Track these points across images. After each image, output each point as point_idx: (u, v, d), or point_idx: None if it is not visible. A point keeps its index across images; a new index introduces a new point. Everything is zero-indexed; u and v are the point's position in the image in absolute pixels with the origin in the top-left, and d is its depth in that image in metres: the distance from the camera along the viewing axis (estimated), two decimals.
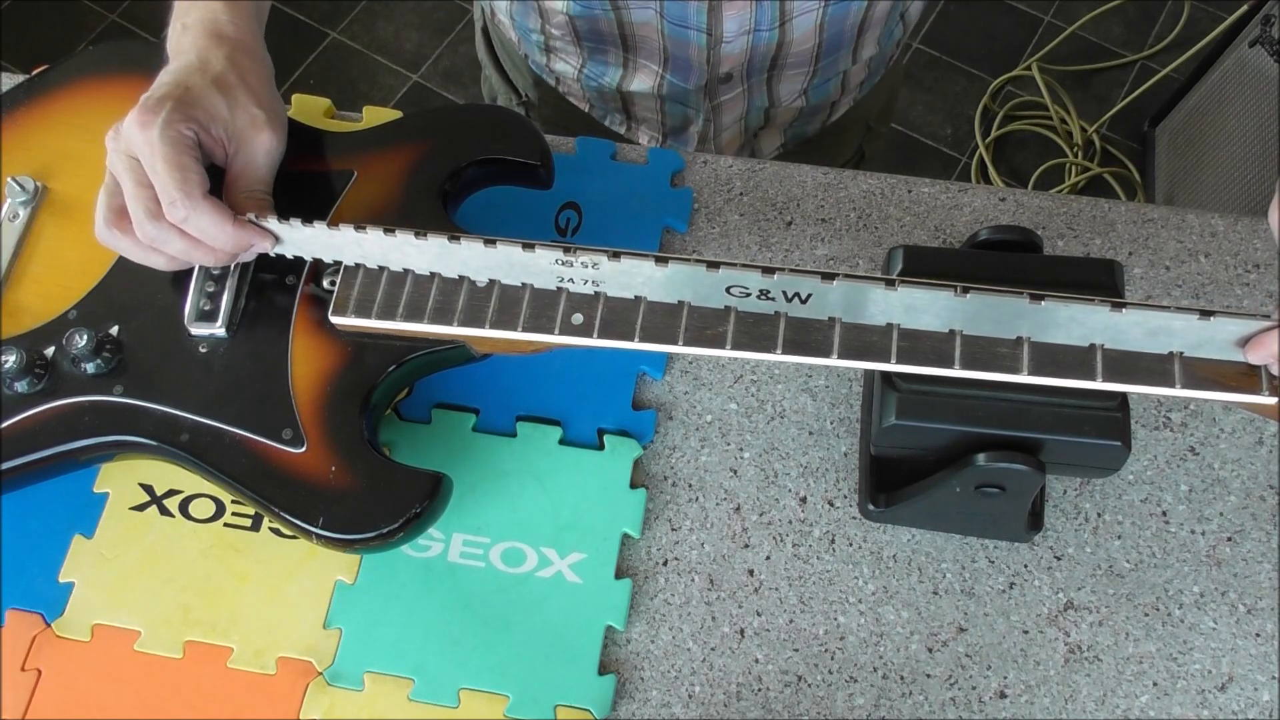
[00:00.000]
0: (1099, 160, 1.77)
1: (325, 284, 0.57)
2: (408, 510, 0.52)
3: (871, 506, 0.58)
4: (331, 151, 0.61)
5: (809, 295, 0.48)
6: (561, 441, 0.61)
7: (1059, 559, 0.59)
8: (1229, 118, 1.46)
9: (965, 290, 0.46)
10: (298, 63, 1.88)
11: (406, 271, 0.54)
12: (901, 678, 0.57)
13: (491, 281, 0.53)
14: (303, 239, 0.54)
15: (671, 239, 0.68)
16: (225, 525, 0.59)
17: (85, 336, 0.55)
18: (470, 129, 0.61)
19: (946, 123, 1.82)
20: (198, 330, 0.56)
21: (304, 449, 0.53)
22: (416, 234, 0.51)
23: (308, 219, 0.53)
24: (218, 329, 0.56)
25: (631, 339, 0.51)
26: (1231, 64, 1.48)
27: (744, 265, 0.48)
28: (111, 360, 0.56)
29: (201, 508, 0.60)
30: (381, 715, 0.55)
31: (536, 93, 0.86)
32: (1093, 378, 0.47)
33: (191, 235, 0.52)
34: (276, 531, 0.59)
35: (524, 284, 0.53)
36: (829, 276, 0.47)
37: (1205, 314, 0.45)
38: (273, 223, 0.53)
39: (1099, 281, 0.52)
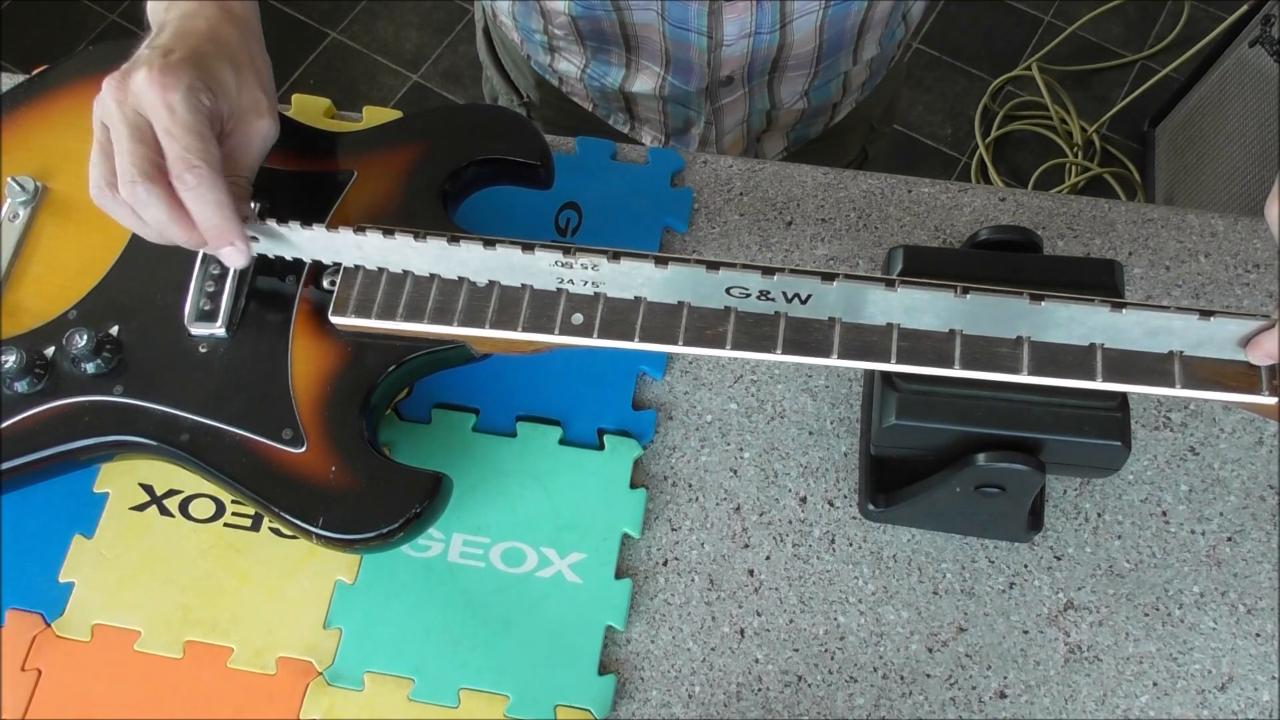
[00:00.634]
0: (1099, 160, 1.77)
1: (325, 284, 0.57)
2: (408, 510, 0.52)
3: (871, 506, 0.58)
4: (331, 151, 0.61)
5: (809, 296, 0.48)
6: (561, 441, 0.61)
7: (1059, 559, 0.59)
8: (1229, 118, 1.46)
9: (965, 290, 0.46)
10: (298, 63, 1.88)
11: (406, 272, 0.54)
12: (901, 678, 0.57)
13: (491, 282, 0.53)
14: (302, 240, 0.54)
15: (671, 239, 0.68)
16: (225, 525, 0.59)
17: (85, 336, 0.55)
18: (470, 129, 0.61)
19: (946, 123, 1.82)
20: (198, 330, 0.56)
21: (304, 449, 0.53)
22: (416, 236, 0.51)
23: (307, 220, 0.53)
24: (218, 329, 0.56)
25: (631, 339, 0.51)
26: (1231, 64, 1.48)
27: (744, 266, 0.48)
28: (111, 360, 0.56)
29: (201, 508, 0.60)
30: (381, 715, 0.55)
31: (539, 93, 0.86)
32: (1093, 378, 0.47)
33: (179, 207, 0.50)
34: (276, 531, 0.59)
35: (524, 285, 0.53)
36: (829, 277, 0.47)
37: (1205, 314, 0.45)
38: (272, 224, 0.53)
39: (1099, 281, 0.52)
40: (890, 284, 0.47)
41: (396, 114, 0.67)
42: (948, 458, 0.52)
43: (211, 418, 0.54)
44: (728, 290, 0.49)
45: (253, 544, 0.59)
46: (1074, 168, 1.75)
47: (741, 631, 0.58)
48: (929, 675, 0.57)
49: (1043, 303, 0.46)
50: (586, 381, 0.63)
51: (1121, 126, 1.80)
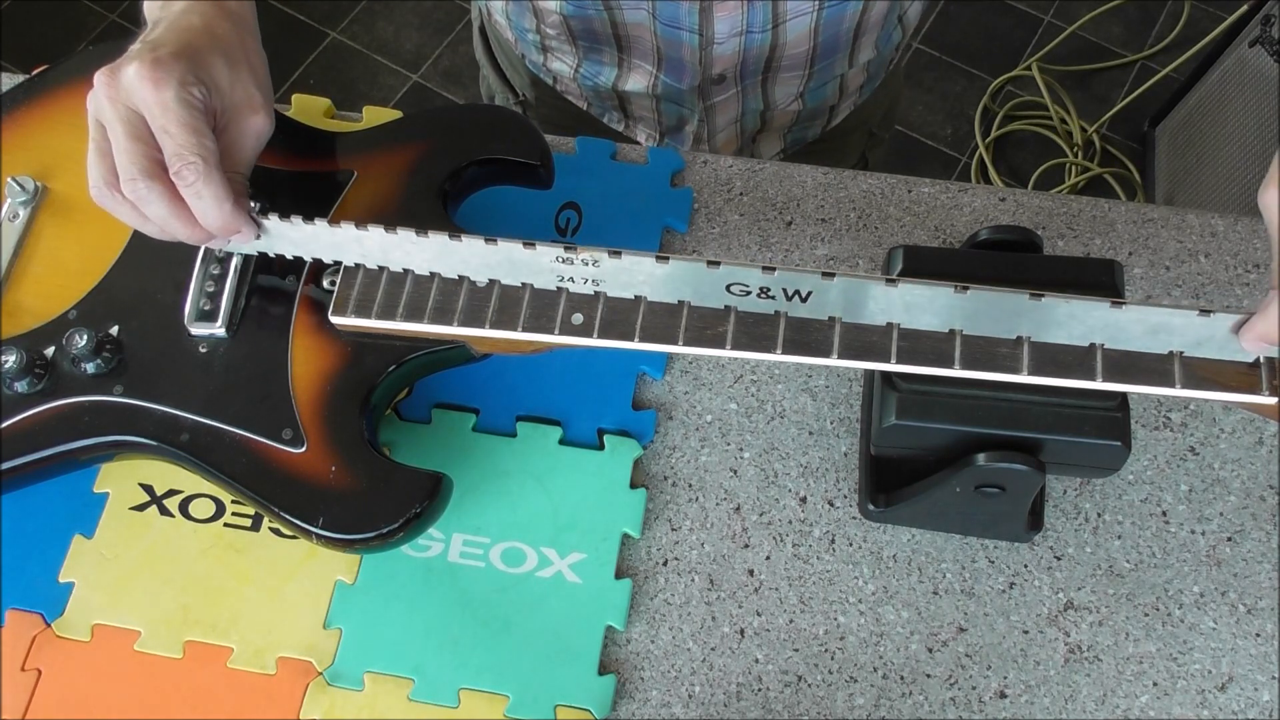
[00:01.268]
0: (1099, 160, 1.77)
1: (325, 284, 0.57)
2: (408, 510, 0.52)
3: (871, 506, 0.58)
4: (331, 151, 0.61)
5: (809, 293, 0.48)
6: (561, 441, 0.61)
7: (1059, 559, 0.59)
8: (1229, 118, 1.46)
9: (965, 288, 0.46)
10: (298, 63, 1.88)
11: (406, 271, 0.54)
12: (901, 678, 0.57)
13: (491, 281, 0.53)
14: (303, 237, 0.54)
15: (671, 239, 0.68)
16: (225, 525, 0.59)
17: (85, 336, 0.55)
18: (470, 129, 0.61)
19: (946, 123, 1.82)
20: (198, 330, 0.56)
21: (304, 449, 0.53)
22: (417, 232, 0.51)
23: (308, 217, 0.53)
24: (218, 329, 0.56)
25: (631, 339, 0.51)
26: (1231, 64, 1.48)
27: (744, 263, 0.48)
28: (111, 360, 0.56)
29: (201, 508, 0.60)
30: (381, 715, 0.55)
31: (534, 92, 0.86)
32: (1093, 378, 0.47)
33: (181, 203, 0.50)
34: (276, 531, 0.59)
35: (524, 284, 0.53)
36: (829, 274, 0.47)
37: (1204, 312, 0.45)
38: (274, 219, 0.53)
39: (1099, 281, 0.52)
40: (890, 282, 0.47)
41: (396, 114, 0.67)
42: (948, 458, 0.52)
43: (211, 418, 0.54)
44: (728, 288, 0.49)
45: (253, 544, 0.59)
46: (1074, 168, 1.75)
47: (741, 631, 0.58)
48: (929, 675, 0.57)
49: (1042, 300, 0.46)
50: (586, 381, 0.63)
51: (1121, 126, 1.80)
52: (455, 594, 0.58)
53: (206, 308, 0.56)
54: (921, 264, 0.53)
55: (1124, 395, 0.49)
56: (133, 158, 0.49)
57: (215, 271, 0.57)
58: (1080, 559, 0.59)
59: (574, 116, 0.86)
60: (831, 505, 0.60)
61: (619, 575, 0.58)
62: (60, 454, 0.55)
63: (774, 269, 0.47)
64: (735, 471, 0.61)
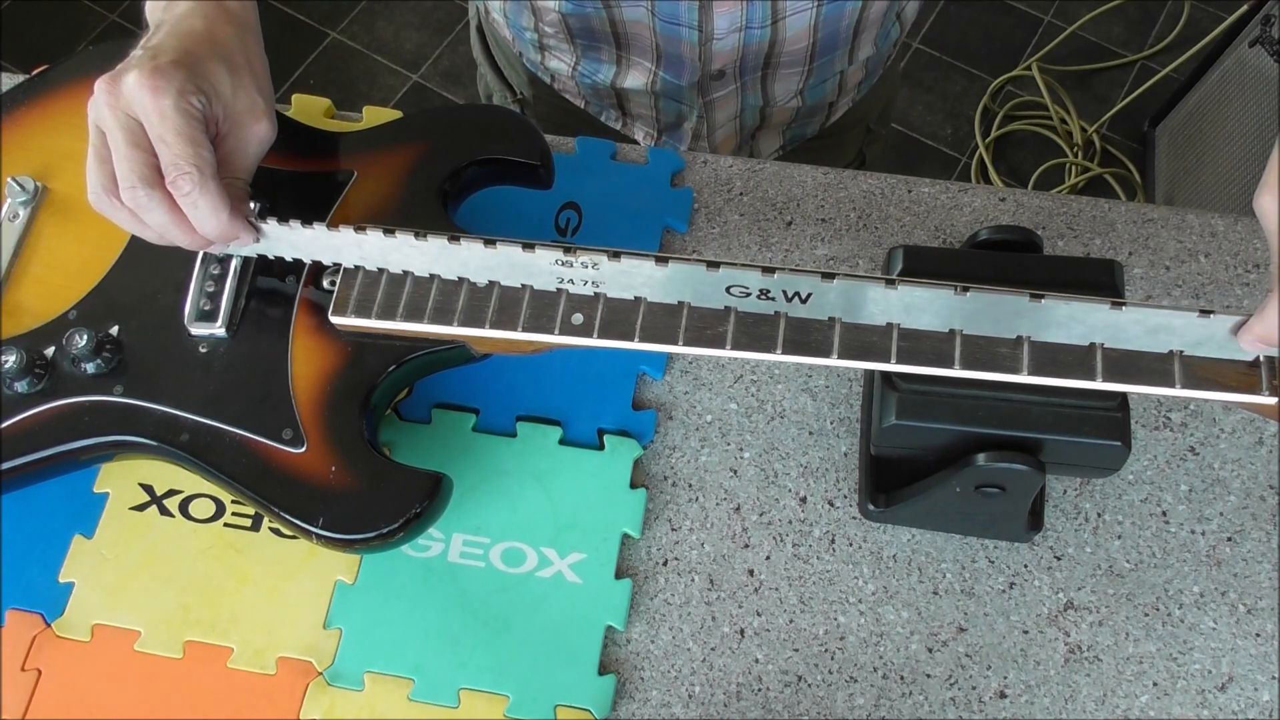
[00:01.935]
0: (1099, 160, 1.77)
1: (325, 284, 0.57)
2: (408, 510, 0.52)
3: (871, 506, 0.58)
4: (331, 151, 0.61)
5: (809, 294, 0.48)
6: (561, 441, 0.61)
7: (1059, 559, 0.59)
8: (1229, 118, 1.46)
9: (965, 289, 0.46)
10: (298, 63, 1.88)
11: (406, 273, 0.54)
12: (901, 678, 0.57)
13: (491, 282, 0.53)
14: (302, 240, 0.54)
15: (671, 239, 0.68)
16: (225, 525, 0.59)
17: (85, 336, 0.55)
18: (470, 129, 0.61)
19: (946, 123, 1.82)
20: (198, 330, 0.56)
21: (304, 449, 0.53)
22: (416, 235, 0.51)
23: (307, 220, 0.53)
24: (218, 329, 0.56)
25: (631, 339, 0.51)
26: (1231, 64, 1.48)
27: (744, 265, 0.48)
28: (111, 360, 0.56)
29: (201, 508, 0.60)
30: (381, 715, 0.55)
31: (531, 90, 0.86)
32: (1093, 378, 0.47)
33: (180, 211, 0.50)
34: (276, 531, 0.59)
35: (524, 285, 0.53)
36: (829, 275, 0.47)
37: (1204, 312, 0.45)
38: (272, 223, 0.53)
39: (1099, 281, 0.52)
40: (890, 282, 0.47)
41: (396, 114, 0.67)
42: (948, 458, 0.52)
43: (211, 418, 0.54)
44: (728, 289, 0.49)
45: (253, 544, 0.59)
46: (1074, 168, 1.75)
47: (741, 631, 0.58)
48: (929, 675, 0.57)
49: (1042, 300, 0.46)
50: (586, 381, 0.63)
51: (1121, 126, 1.80)
52: (455, 594, 0.58)
53: (206, 308, 0.56)
54: (921, 264, 0.53)
55: (1124, 395, 0.49)
56: (132, 165, 0.49)
57: (215, 272, 0.57)
58: (1080, 559, 0.59)
59: (571, 115, 0.86)
60: (831, 505, 0.60)
61: (619, 575, 0.58)
62: (60, 454, 0.55)
63: (773, 270, 0.47)
64: (735, 471, 0.61)
